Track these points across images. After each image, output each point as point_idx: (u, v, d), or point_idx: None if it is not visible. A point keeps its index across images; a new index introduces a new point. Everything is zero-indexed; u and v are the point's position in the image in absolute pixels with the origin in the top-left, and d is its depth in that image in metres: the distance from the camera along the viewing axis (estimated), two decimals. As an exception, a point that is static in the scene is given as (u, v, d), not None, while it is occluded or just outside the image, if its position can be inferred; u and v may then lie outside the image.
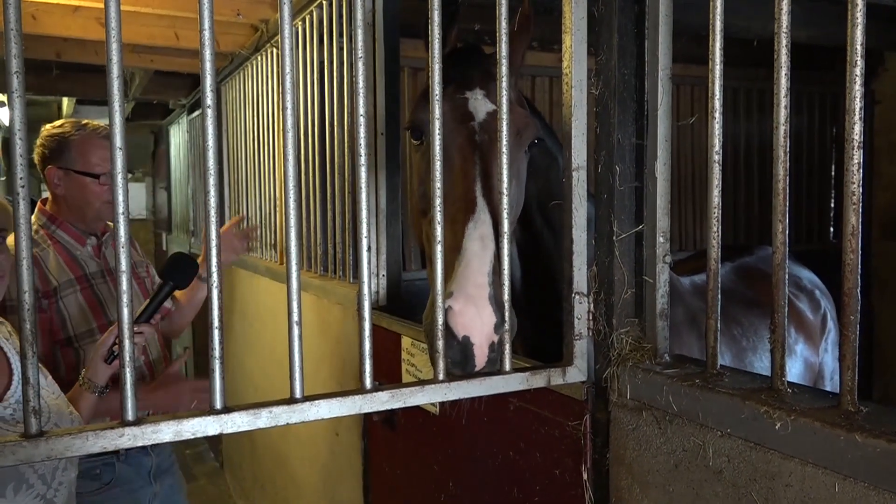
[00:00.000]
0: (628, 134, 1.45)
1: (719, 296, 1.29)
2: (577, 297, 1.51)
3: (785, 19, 1.13)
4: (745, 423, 1.15)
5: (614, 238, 1.45)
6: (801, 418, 1.06)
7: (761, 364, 2.71)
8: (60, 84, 6.32)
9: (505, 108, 1.38)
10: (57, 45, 4.95)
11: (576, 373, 1.51)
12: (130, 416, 1.14)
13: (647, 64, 1.42)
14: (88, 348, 2.39)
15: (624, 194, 1.45)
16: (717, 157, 1.28)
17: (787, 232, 1.16)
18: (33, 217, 2.48)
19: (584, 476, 1.52)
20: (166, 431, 1.16)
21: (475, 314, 1.36)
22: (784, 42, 1.14)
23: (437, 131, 1.34)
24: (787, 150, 1.15)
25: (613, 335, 1.46)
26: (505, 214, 1.39)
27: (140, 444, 1.14)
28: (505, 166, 1.38)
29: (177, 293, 2.79)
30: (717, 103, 1.26)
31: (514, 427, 1.78)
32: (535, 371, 1.48)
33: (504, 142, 1.39)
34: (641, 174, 1.46)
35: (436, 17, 1.37)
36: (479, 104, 1.70)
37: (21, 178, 1.02)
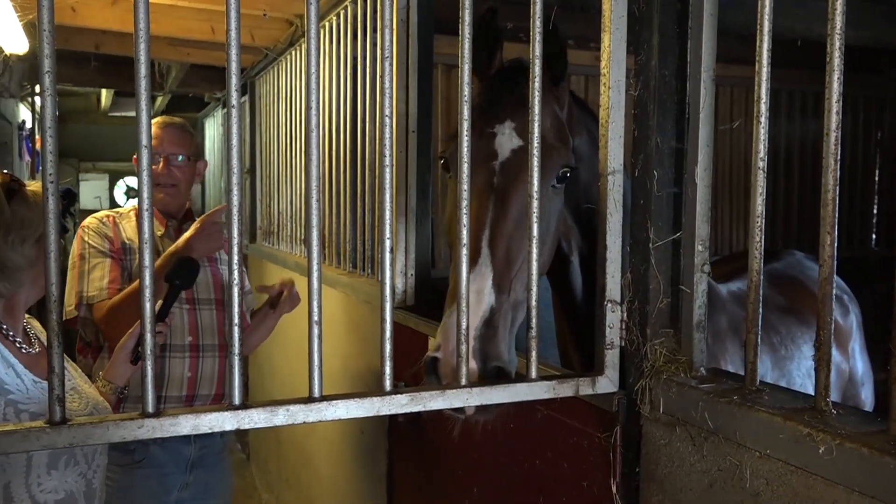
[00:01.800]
0: (668, 137, 1.39)
1: (760, 309, 1.23)
2: (609, 305, 1.46)
3: (839, 20, 1.07)
4: (785, 445, 1.09)
5: (650, 245, 1.40)
6: (846, 443, 1.00)
7: (799, 372, 2.63)
8: (99, 76, 6.40)
9: (536, 144, 1.33)
10: (96, 38, 5.01)
11: (606, 383, 1.47)
12: (150, 408, 1.15)
13: (690, 65, 1.37)
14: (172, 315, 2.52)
15: (662, 200, 1.40)
16: (761, 163, 1.22)
17: (835, 245, 1.10)
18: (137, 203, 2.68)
19: (614, 490, 1.47)
20: (185, 425, 1.17)
21: (451, 372, 1.40)
22: (837, 45, 1.07)
23: (464, 174, 1.32)
24: (838, 158, 1.09)
25: (647, 346, 1.40)
26: (534, 260, 1.36)
27: (157, 435, 1.15)
28: (534, 210, 1.34)
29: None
30: (764, 107, 1.21)
31: (541, 436, 1.73)
32: (562, 379, 1.43)
33: (534, 185, 1.36)
34: (680, 179, 1.40)
35: (466, 50, 1.32)
36: (504, 140, 1.63)
37: (50, 175, 1.02)
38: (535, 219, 1.35)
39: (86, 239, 2.56)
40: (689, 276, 1.38)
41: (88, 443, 1.09)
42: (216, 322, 2.67)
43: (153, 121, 2.66)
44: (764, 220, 1.23)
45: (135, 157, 2.72)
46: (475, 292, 1.47)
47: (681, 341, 1.40)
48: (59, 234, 1.07)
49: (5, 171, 1.85)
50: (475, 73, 1.78)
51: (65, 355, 1.94)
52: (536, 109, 1.34)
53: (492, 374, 1.44)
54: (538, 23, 1.38)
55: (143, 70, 1.07)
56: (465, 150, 1.33)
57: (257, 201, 5.14)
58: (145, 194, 1.10)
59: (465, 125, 1.32)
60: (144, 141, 1.07)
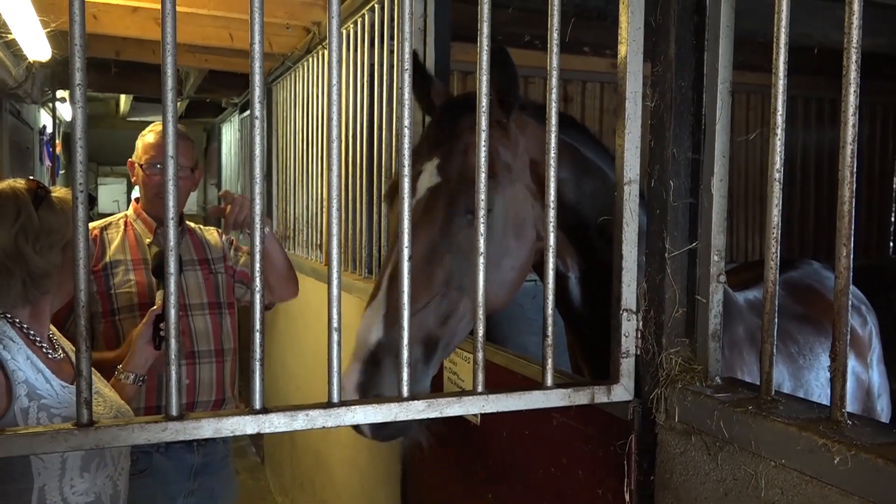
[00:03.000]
0: (684, 148, 1.40)
1: (776, 319, 1.24)
2: (625, 313, 1.47)
3: (856, 34, 1.08)
4: (801, 455, 1.10)
5: (666, 255, 1.41)
6: (862, 454, 1.01)
7: (818, 382, 2.63)
8: (119, 82, 6.48)
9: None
10: (116, 44, 5.08)
11: (622, 391, 1.48)
12: (174, 411, 1.18)
13: (706, 77, 1.38)
14: (126, 323, 2.52)
15: (678, 210, 1.41)
16: (777, 174, 1.23)
17: (851, 256, 1.10)
18: (129, 211, 2.76)
19: (627, 497, 1.48)
20: (207, 428, 1.19)
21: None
22: (854, 58, 1.08)
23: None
24: (854, 170, 1.09)
25: (662, 355, 1.41)
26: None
27: (181, 438, 1.18)
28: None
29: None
30: (780, 119, 1.21)
31: (556, 442, 1.75)
32: (578, 388, 1.45)
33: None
34: (696, 190, 1.41)
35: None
36: (425, 178, 1.66)
37: (80, 183, 1.04)
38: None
39: None
40: (704, 286, 1.39)
41: (114, 445, 1.12)
42: (211, 327, 2.67)
43: (154, 129, 2.73)
44: (780, 230, 1.24)
45: (129, 161, 2.82)
46: (365, 327, 1.55)
47: (696, 350, 1.41)
48: (87, 240, 1.09)
49: (31, 178, 1.89)
50: (424, 109, 1.81)
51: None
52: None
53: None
54: (556, 34, 1.40)
55: (169, 83, 1.10)
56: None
57: (274, 206, 5.18)
58: (171, 203, 1.13)
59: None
60: (171, 151, 1.10)
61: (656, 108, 1.43)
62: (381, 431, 1.55)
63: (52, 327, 1.98)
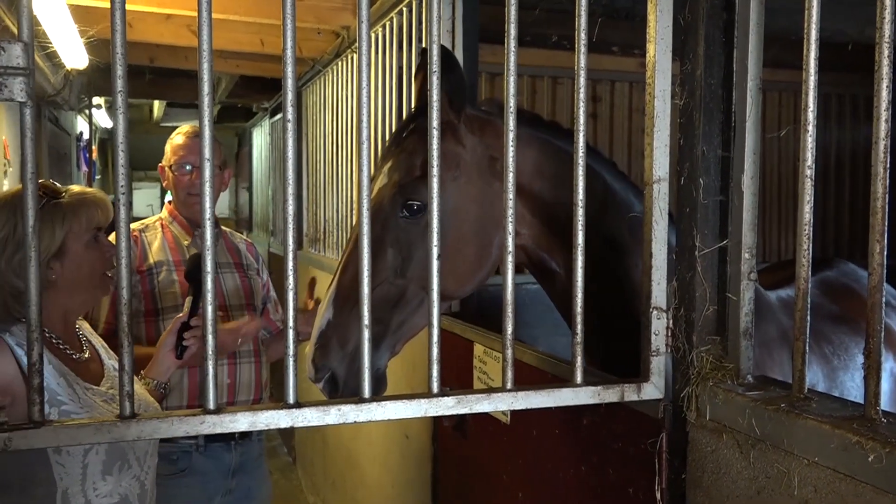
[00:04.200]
0: (714, 146, 1.40)
1: (808, 317, 1.23)
2: (654, 311, 1.47)
3: (888, 29, 1.07)
4: (834, 453, 1.09)
5: (696, 253, 1.41)
6: (897, 451, 1.00)
7: (853, 383, 2.58)
8: (153, 88, 6.62)
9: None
10: (150, 51, 5.19)
11: (652, 390, 1.47)
12: (212, 405, 1.21)
13: (736, 74, 1.37)
14: (168, 323, 2.51)
15: (707, 208, 1.41)
16: (809, 171, 1.22)
17: (885, 253, 1.10)
18: (164, 214, 2.79)
19: (659, 496, 1.48)
20: (243, 421, 1.23)
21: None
22: (886, 53, 1.08)
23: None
24: (888, 166, 1.09)
25: (693, 353, 1.41)
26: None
27: (218, 430, 1.21)
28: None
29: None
30: (811, 115, 1.21)
31: (586, 441, 1.75)
32: (607, 385, 1.45)
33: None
34: (727, 187, 1.41)
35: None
36: (378, 181, 1.86)
37: (122, 186, 1.08)
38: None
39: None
40: (735, 284, 1.38)
41: (155, 436, 1.15)
42: None
43: (181, 131, 2.74)
44: (812, 228, 1.23)
45: (160, 166, 2.85)
46: (319, 311, 1.78)
47: (727, 348, 1.40)
48: (129, 240, 1.12)
49: (41, 180, 1.91)
50: (451, 106, 1.87)
51: (112, 355, 2.00)
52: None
53: (319, 381, 1.75)
54: (583, 34, 1.41)
55: (206, 88, 1.14)
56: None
57: (304, 209, 5.24)
58: (207, 204, 1.16)
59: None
60: (207, 154, 1.12)
61: (685, 106, 1.43)
62: None
63: (86, 325, 2.00)
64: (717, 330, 1.42)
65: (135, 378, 2.03)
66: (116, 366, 1.93)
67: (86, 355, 1.87)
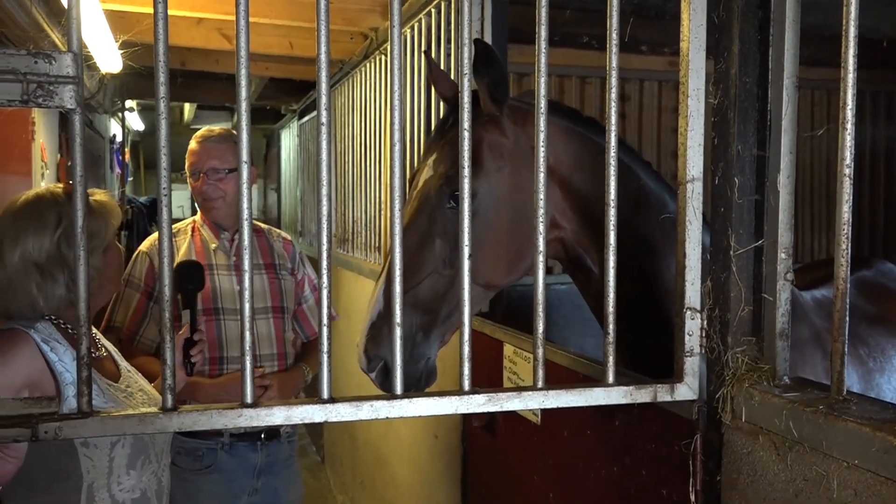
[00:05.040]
0: (749, 145, 1.39)
1: (847, 318, 1.21)
2: (688, 312, 1.46)
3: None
4: (875, 456, 1.07)
5: (731, 253, 1.39)
6: (940, 454, 0.98)
7: (889, 386, 2.54)
8: (183, 91, 6.71)
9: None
10: (182, 55, 5.27)
11: (686, 390, 1.46)
12: (249, 399, 1.25)
13: (772, 71, 1.36)
14: (198, 321, 2.55)
15: (743, 207, 1.39)
16: (847, 170, 1.20)
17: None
18: (197, 217, 2.82)
19: (693, 498, 1.47)
20: (278, 415, 1.26)
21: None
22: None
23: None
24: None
25: (728, 354, 1.40)
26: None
27: (255, 423, 1.24)
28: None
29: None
30: (850, 114, 1.19)
31: (618, 442, 1.74)
32: (640, 385, 1.44)
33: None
34: (762, 187, 1.39)
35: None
36: (425, 172, 1.88)
37: (164, 188, 1.12)
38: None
39: (131, 266, 2.66)
40: (771, 284, 1.37)
41: (195, 428, 1.19)
42: (274, 330, 2.70)
43: (195, 136, 2.74)
44: (850, 227, 1.21)
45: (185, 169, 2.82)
46: (370, 302, 1.82)
47: (763, 349, 1.39)
48: (171, 238, 1.17)
49: (70, 182, 1.96)
50: (492, 99, 1.88)
51: (123, 358, 2.05)
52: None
53: (372, 371, 1.76)
54: (614, 34, 1.40)
55: (243, 93, 1.18)
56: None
57: (332, 210, 5.28)
58: (244, 205, 1.18)
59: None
60: (245, 157, 1.15)
61: (720, 105, 1.42)
62: None
63: (94, 329, 2.04)
64: (752, 331, 1.41)
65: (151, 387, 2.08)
66: (130, 367, 2.01)
67: (102, 353, 1.93)
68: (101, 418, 1.15)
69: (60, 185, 1.90)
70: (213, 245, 2.71)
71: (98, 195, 1.91)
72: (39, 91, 1.10)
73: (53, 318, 1.79)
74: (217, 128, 2.84)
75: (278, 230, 3.00)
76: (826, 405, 1.20)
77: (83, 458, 1.71)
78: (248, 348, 1.22)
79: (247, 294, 1.20)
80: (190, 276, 2.28)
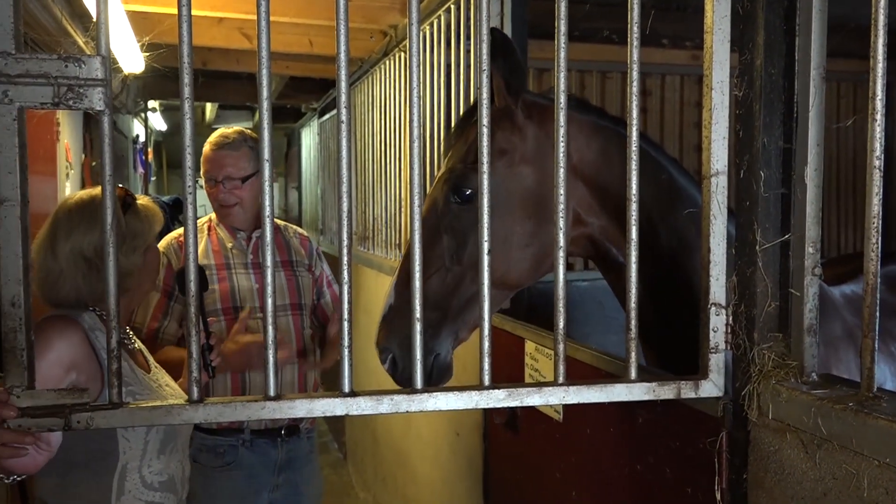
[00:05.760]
0: (775, 137, 1.36)
1: (878, 313, 1.18)
2: (713, 308, 1.44)
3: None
4: (907, 454, 1.05)
5: (757, 248, 1.37)
6: (976, 453, 0.96)
7: (918, 383, 2.49)
8: (205, 91, 6.76)
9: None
10: (203, 55, 5.31)
11: (710, 387, 1.44)
12: (272, 391, 1.27)
13: (798, 62, 1.33)
14: (209, 323, 2.55)
15: (769, 201, 1.37)
16: (877, 162, 1.18)
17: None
18: (212, 215, 2.81)
19: (718, 496, 1.45)
20: (300, 408, 1.28)
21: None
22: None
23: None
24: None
25: (754, 350, 1.37)
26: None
27: (277, 416, 1.27)
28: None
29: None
30: (879, 104, 1.16)
31: (641, 440, 1.72)
32: (663, 382, 1.43)
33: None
34: (788, 180, 1.37)
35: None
36: (441, 169, 1.86)
37: (189, 186, 1.17)
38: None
39: None
40: (798, 279, 1.34)
41: (220, 419, 1.24)
42: (293, 328, 2.70)
43: (209, 141, 2.72)
44: (881, 220, 1.19)
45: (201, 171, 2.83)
46: (384, 294, 1.81)
47: (790, 346, 1.36)
48: (195, 235, 1.20)
49: (120, 185, 2.04)
50: (508, 90, 1.86)
51: (149, 354, 2.15)
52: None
53: (384, 363, 1.77)
54: (636, 27, 1.39)
55: (265, 93, 1.22)
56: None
57: (352, 207, 5.29)
58: (266, 206, 1.18)
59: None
60: (267, 155, 1.15)
61: (744, 97, 1.40)
62: None
63: (126, 327, 2.13)
64: (779, 327, 1.38)
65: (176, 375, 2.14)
66: (156, 364, 2.11)
67: (134, 345, 2.03)
68: (130, 409, 1.19)
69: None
70: (230, 244, 2.72)
71: (143, 200, 2.03)
72: (70, 94, 1.15)
73: (97, 309, 1.90)
74: (231, 130, 2.79)
75: (294, 227, 3.01)
76: (856, 402, 1.18)
77: (122, 439, 1.82)
78: (270, 342, 1.24)
79: (269, 290, 1.21)
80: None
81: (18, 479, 1.57)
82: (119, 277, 1.87)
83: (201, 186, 3.02)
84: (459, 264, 1.77)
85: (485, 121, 1.36)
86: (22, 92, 1.15)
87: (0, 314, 1.17)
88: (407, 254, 1.80)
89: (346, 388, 1.31)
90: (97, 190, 1.96)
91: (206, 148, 2.72)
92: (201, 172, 2.73)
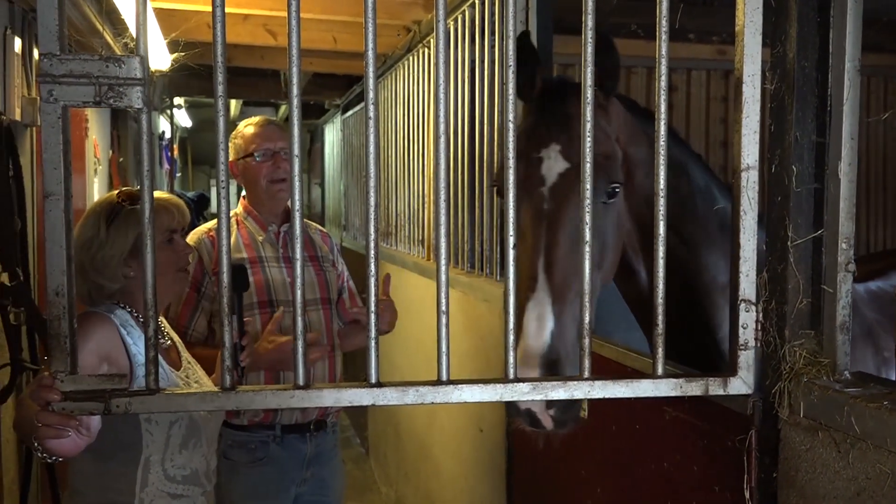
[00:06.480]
0: (807, 132, 1.34)
1: (914, 310, 1.16)
2: (743, 304, 1.42)
3: None
4: (944, 454, 1.03)
5: (789, 244, 1.35)
6: None
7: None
8: (230, 87, 6.77)
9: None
10: (228, 51, 5.33)
11: (740, 384, 1.43)
12: (301, 380, 1.30)
13: (832, 55, 1.31)
14: (245, 323, 2.55)
15: (801, 196, 1.35)
16: (914, 156, 1.15)
17: None
18: (238, 210, 2.79)
19: (748, 495, 1.43)
20: (328, 398, 1.32)
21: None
22: None
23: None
24: None
25: (785, 347, 1.36)
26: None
27: (306, 404, 1.32)
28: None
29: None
30: (917, 97, 1.14)
31: (669, 437, 1.71)
32: (690, 378, 1.41)
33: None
34: (821, 175, 1.35)
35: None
36: (551, 164, 1.68)
37: (223, 181, 1.20)
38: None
39: None
40: (831, 276, 1.32)
41: (251, 407, 1.28)
42: (324, 321, 2.72)
43: (251, 122, 2.72)
44: (917, 217, 1.17)
45: (230, 163, 2.82)
46: (536, 319, 1.56)
47: (822, 343, 1.34)
48: (228, 227, 1.23)
49: (124, 188, 2.08)
50: (519, 96, 1.82)
51: (185, 349, 2.18)
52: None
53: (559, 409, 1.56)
54: (664, 22, 1.37)
55: (295, 90, 1.29)
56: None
57: (378, 202, 5.30)
58: (297, 195, 1.19)
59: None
60: (297, 150, 1.17)
61: (776, 91, 1.38)
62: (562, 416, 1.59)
63: (165, 322, 2.17)
64: (810, 324, 1.36)
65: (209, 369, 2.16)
66: (191, 359, 2.15)
67: (168, 342, 2.07)
68: (166, 395, 1.23)
69: (115, 193, 2.04)
70: (261, 237, 2.72)
71: (158, 194, 2.04)
72: (110, 93, 1.20)
73: (127, 306, 1.96)
74: (262, 117, 2.83)
75: (315, 224, 3.04)
76: (891, 401, 1.16)
77: (145, 432, 1.87)
78: (300, 332, 1.27)
79: (299, 281, 1.23)
80: (234, 279, 2.31)
81: (59, 460, 1.63)
82: (125, 278, 1.93)
83: (232, 177, 3.01)
84: (600, 270, 1.67)
85: (510, 116, 1.35)
86: (66, 91, 1.20)
87: (46, 302, 1.22)
88: (548, 265, 1.62)
89: (373, 379, 1.33)
90: (110, 195, 2.04)
91: (251, 129, 2.69)
92: (247, 152, 2.67)
